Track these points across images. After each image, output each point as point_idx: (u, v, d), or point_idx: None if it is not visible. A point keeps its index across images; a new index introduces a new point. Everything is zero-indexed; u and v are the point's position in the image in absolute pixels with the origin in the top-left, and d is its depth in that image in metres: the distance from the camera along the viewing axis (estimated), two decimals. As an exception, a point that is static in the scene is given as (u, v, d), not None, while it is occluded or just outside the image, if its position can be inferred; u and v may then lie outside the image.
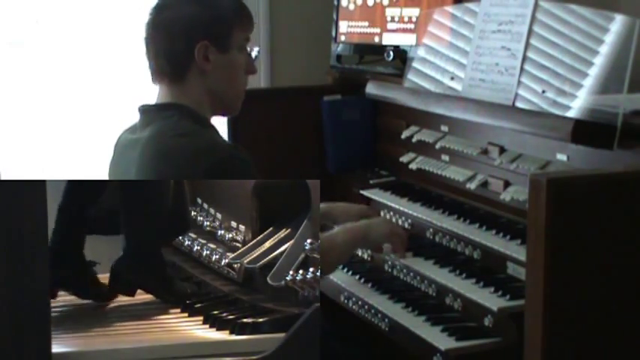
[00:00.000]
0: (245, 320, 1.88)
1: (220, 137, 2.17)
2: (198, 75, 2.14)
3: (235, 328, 1.86)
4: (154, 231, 2.14)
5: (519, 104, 2.23)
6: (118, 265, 2.11)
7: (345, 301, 2.37)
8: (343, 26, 3.11)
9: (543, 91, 2.16)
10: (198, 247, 2.36)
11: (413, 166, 2.69)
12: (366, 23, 3.03)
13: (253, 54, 2.25)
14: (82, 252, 2.17)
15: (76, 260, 2.15)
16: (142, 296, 2.22)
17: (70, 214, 2.17)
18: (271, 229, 2.15)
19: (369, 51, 3.06)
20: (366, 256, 2.52)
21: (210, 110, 2.20)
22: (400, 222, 2.58)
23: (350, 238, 2.29)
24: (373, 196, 2.71)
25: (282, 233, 2.12)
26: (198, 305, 2.04)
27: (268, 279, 2.02)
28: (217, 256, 2.26)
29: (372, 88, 2.77)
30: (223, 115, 2.32)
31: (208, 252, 2.31)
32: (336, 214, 2.46)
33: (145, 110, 2.19)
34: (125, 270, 2.10)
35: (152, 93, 2.22)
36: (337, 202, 2.58)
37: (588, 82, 2.06)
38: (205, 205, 2.35)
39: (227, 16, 2.17)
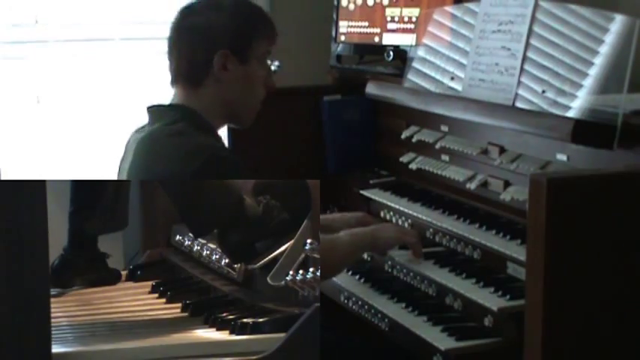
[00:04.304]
0: (245, 320, 1.88)
1: (216, 142, 2.15)
2: (214, 83, 2.15)
3: (235, 328, 1.86)
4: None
5: (519, 104, 2.22)
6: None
7: (345, 301, 2.37)
8: (343, 26, 3.11)
9: (543, 91, 2.16)
10: (198, 247, 2.36)
11: (413, 166, 2.69)
12: (366, 23, 3.02)
13: (273, 67, 2.25)
14: (97, 245, 2.35)
15: (92, 252, 2.32)
16: (142, 297, 2.22)
17: (80, 217, 2.31)
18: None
19: (369, 51, 3.05)
20: (366, 256, 2.52)
21: (220, 119, 2.21)
22: (400, 222, 2.58)
23: (355, 241, 2.25)
24: (373, 196, 2.71)
25: (282, 233, 2.12)
26: (199, 305, 2.05)
27: (268, 279, 2.02)
28: (217, 256, 2.26)
29: (372, 88, 2.77)
30: (234, 125, 2.32)
31: (208, 252, 2.31)
32: (335, 225, 2.45)
33: (152, 110, 2.20)
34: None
35: (152, 92, 2.23)
36: (333, 214, 2.58)
37: (588, 82, 2.06)
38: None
39: (250, 26, 2.18)
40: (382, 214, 2.66)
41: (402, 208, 2.56)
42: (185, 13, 2.19)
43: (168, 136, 2.08)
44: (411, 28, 2.85)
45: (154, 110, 2.20)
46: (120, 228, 2.39)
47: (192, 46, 2.15)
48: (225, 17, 2.15)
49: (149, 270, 2.41)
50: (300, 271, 1.96)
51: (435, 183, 2.61)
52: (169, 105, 2.20)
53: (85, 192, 2.32)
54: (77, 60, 3.19)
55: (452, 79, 2.47)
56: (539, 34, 2.22)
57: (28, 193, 1.61)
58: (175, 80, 2.20)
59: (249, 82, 2.20)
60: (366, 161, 2.96)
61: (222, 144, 2.20)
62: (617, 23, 2.03)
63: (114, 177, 2.32)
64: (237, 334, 1.85)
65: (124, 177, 2.22)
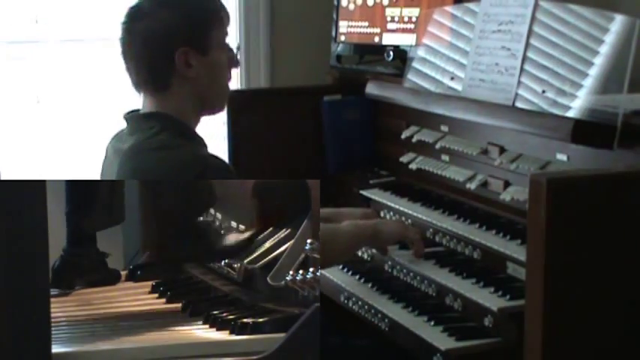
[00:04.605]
0: (245, 320, 1.88)
1: (202, 149, 2.13)
2: (182, 81, 2.11)
3: (235, 328, 1.86)
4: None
5: (519, 104, 2.23)
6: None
7: (345, 301, 2.37)
8: (343, 26, 3.11)
9: (543, 91, 2.17)
10: (198, 247, 2.36)
11: (413, 166, 2.69)
12: (366, 23, 3.03)
13: (235, 49, 2.21)
14: (96, 244, 2.32)
15: (92, 252, 2.30)
16: (142, 297, 2.22)
17: (77, 216, 2.28)
18: (271, 229, 2.15)
19: (369, 51, 3.06)
20: (366, 256, 2.52)
21: (196, 115, 2.17)
22: (400, 222, 2.58)
23: (357, 232, 2.25)
24: (373, 196, 2.71)
25: (282, 233, 2.12)
26: (199, 305, 2.05)
27: (268, 279, 2.02)
28: (217, 256, 2.26)
29: (372, 88, 2.77)
30: (210, 114, 2.29)
31: (208, 252, 2.31)
32: (340, 219, 2.44)
33: (129, 118, 2.17)
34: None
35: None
36: (339, 208, 2.56)
37: (588, 82, 2.06)
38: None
39: (202, 17, 2.12)
40: (382, 214, 2.66)
41: (402, 208, 2.56)
42: (134, 14, 2.13)
43: (152, 150, 2.04)
44: (411, 28, 2.85)
45: (131, 119, 2.16)
46: (117, 222, 2.38)
47: (149, 51, 2.09)
48: (176, 15, 2.09)
49: (149, 270, 2.41)
50: (300, 271, 1.95)
51: (435, 183, 2.61)
52: (145, 114, 2.15)
53: (80, 190, 2.32)
54: (77, 60, 3.19)
55: (452, 79, 2.47)
56: (539, 34, 2.22)
57: (28, 193, 1.61)
58: (139, 86, 2.15)
59: (215, 71, 2.15)
60: (366, 161, 2.96)
61: (206, 147, 2.16)
62: (617, 23, 2.03)
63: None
64: (237, 334, 1.85)
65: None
